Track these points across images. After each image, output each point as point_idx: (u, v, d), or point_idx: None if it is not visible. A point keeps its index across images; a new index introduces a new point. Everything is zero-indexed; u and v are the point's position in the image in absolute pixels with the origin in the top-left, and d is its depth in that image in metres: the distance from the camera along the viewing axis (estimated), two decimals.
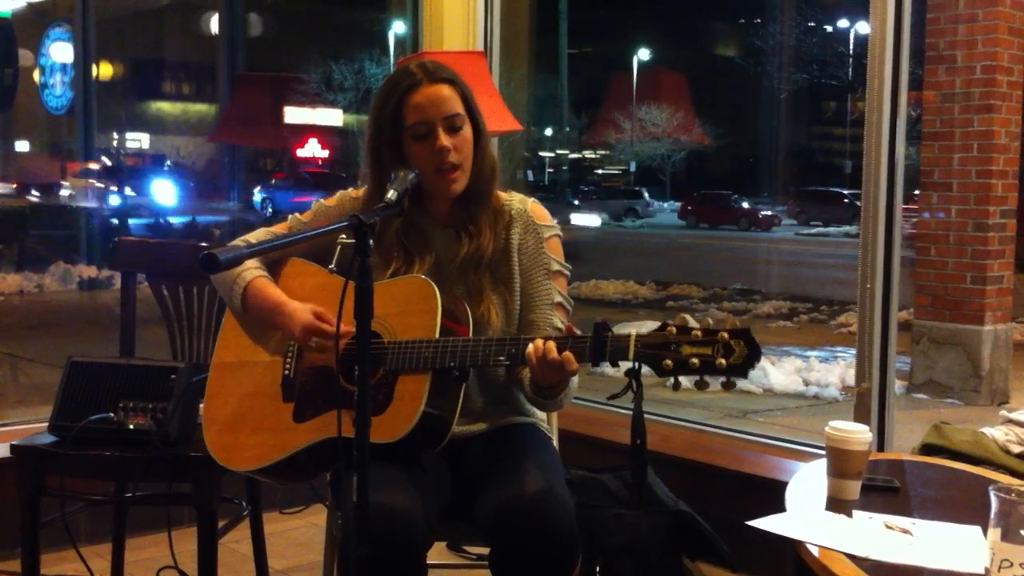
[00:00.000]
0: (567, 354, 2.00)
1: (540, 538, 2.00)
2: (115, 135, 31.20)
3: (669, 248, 23.18)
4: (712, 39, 42.08)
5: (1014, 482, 2.12)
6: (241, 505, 3.01)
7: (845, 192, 29.58)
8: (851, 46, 34.10)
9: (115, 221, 18.42)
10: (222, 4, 26.46)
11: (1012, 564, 1.59)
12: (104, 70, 25.39)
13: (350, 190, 2.42)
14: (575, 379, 2.16)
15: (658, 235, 27.08)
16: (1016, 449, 2.71)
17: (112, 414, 2.60)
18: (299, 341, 2.20)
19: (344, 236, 1.86)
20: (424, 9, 4.49)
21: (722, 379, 1.94)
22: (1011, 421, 2.80)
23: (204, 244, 3.04)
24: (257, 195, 26.56)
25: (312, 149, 29.28)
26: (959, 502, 2.18)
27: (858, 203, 3.60)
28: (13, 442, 2.67)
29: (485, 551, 2.11)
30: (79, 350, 2.83)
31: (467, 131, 2.27)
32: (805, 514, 2.03)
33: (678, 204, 32.92)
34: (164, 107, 35.58)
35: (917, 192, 6.99)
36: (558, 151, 38.06)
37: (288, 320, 2.21)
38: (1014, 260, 6.84)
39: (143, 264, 3.08)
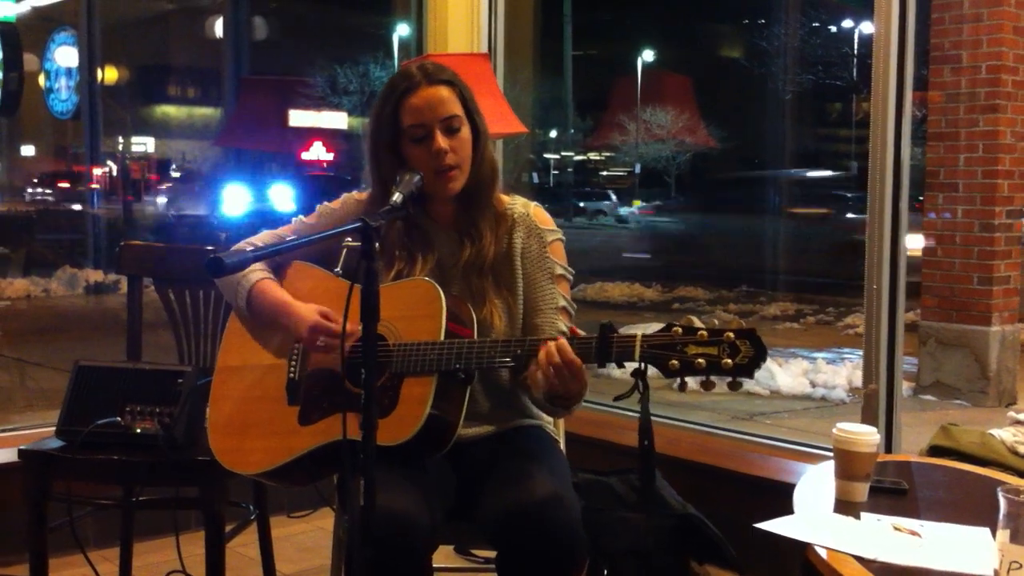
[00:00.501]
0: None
1: (546, 542, 2.00)
2: (120, 139, 31.24)
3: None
4: (716, 41, 42.03)
5: (1022, 483, 2.11)
6: (248, 509, 3.01)
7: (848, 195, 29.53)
8: (856, 47, 34.04)
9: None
10: (227, 8, 26.53)
11: (1021, 566, 1.59)
12: (109, 74, 25.42)
13: (354, 193, 2.42)
14: None
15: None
16: None
17: (119, 418, 2.61)
18: (305, 341, 2.21)
19: (350, 239, 1.86)
20: (428, 12, 4.49)
21: (728, 379, 1.94)
22: (1019, 422, 2.80)
23: (210, 248, 3.04)
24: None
25: (317, 152, 29.29)
26: (967, 504, 2.18)
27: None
28: (21, 447, 2.67)
29: (492, 554, 2.11)
30: (86, 354, 2.83)
31: (465, 132, 2.26)
32: (813, 516, 2.03)
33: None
34: (169, 111, 35.62)
35: (922, 198, 6.99)
36: (563, 153, 38.04)
37: (294, 320, 2.21)
38: (1021, 261, 6.83)
39: (149, 268, 3.08)
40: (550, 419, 2.45)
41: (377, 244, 1.80)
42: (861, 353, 3.50)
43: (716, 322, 1.99)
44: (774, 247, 19.13)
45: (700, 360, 1.94)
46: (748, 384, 2.04)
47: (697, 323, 2.02)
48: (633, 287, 14.21)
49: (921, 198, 7.08)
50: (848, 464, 2.10)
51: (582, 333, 2.06)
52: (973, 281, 6.65)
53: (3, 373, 7.95)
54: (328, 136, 28.89)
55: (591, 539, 2.10)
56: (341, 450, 2.13)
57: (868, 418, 3.34)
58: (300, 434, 2.20)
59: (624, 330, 2.03)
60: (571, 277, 2.36)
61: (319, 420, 2.19)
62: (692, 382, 1.97)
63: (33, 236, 15.22)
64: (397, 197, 2.09)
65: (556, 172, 38.09)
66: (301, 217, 2.43)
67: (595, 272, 14.54)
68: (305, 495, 3.53)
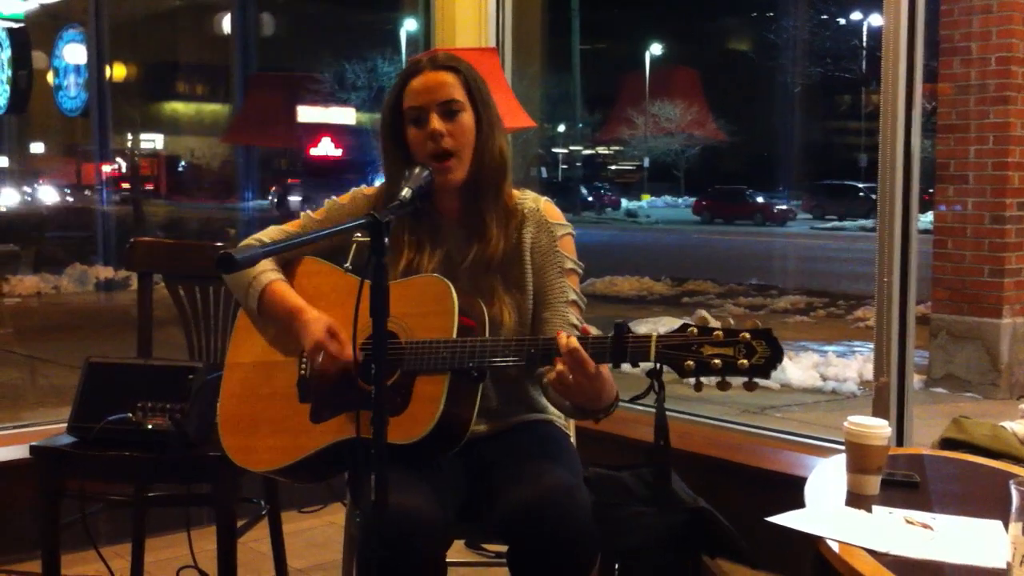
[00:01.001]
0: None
1: (557, 537, 1.99)
2: (129, 136, 31.32)
3: (684, 245, 23.14)
4: (725, 34, 41.97)
5: None
6: (260, 505, 3.01)
7: (860, 185, 29.50)
8: (865, 39, 33.98)
9: None
10: (235, 4, 26.54)
11: None
12: (118, 71, 25.48)
13: (363, 187, 2.41)
14: None
15: (673, 231, 27.04)
16: None
17: (130, 415, 2.61)
18: (308, 356, 2.21)
19: (359, 234, 1.86)
20: (436, 7, 4.49)
21: (744, 380, 1.93)
22: None
23: (219, 244, 3.04)
24: (272, 197, 26.73)
25: (326, 148, 29.33)
26: (979, 496, 2.17)
27: (873, 196, 3.59)
28: (32, 443, 2.68)
29: (503, 548, 2.10)
30: (97, 351, 2.83)
31: (466, 119, 2.24)
32: (825, 510, 2.03)
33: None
34: (178, 108, 35.71)
35: (932, 190, 6.97)
36: (571, 147, 38.04)
37: (302, 333, 2.20)
38: None
39: (159, 265, 3.08)
40: (560, 413, 2.44)
41: (387, 239, 1.79)
42: (872, 346, 3.49)
43: (732, 321, 1.97)
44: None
45: (716, 360, 1.92)
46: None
47: (711, 321, 2.01)
48: (643, 281, 14.19)
49: (931, 190, 7.07)
50: (860, 457, 2.10)
51: (593, 332, 2.05)
52: (984, 273, 6.64)
53: (14, 370, 7.97)
54: (336, 132, 28.92)
55: (603, 534, 2.09)
56: (353, 448, 2.14)
57: (879, 411, 3.33)
58: (311, 432, 2.20)
59: (635, 325, 2.02)
60: (581, 271, 2.35)
61: (331, 418, 2.18)
62: (707, 382, 1.96)
63: (43, 233, 15.25)
64: (406, 192, 2.08)
65: (565, 167, 38.07)
66: (309, 212, 2.42)
67: (606, 268, 14.53)
68: (316, 490, 3.53)
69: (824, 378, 7.30)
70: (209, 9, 28.86)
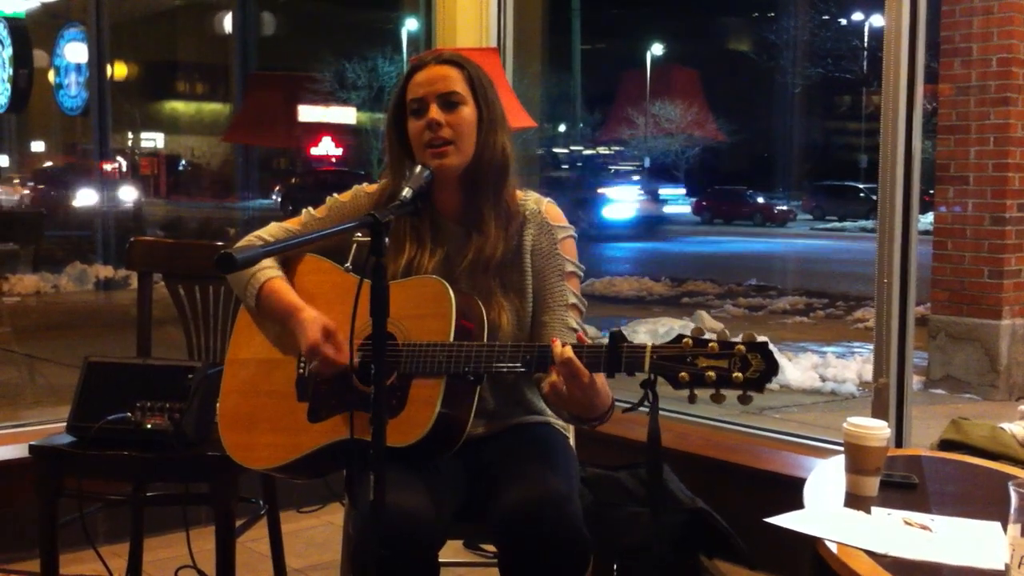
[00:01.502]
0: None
1: (547, 541, 1.99)
2: (130, 135, 31.32)
3: (683, 245, 23.14)
4: (725, 34, 41.97)
5: None
6: (258, 504, 3.01)
7: (860, 186, 29.49)
8: (866, 39, 33.97)
9: None
10: (235, 4, 26.53)
11: None
12: (118, 70, 25.47)
13: (364, 185, 2.41)
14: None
15: (671, 231, 27.03)
16: None
17: (129, 414, 2.61)
18: (304, 356, 2.21)
19: (360, 234, 1.86)
20: (437, 6, 4.49)
21: (738, 393, 1.92)
22: None
23: (219, 243, 3.04)
24: (276, 196, 26.74)
25: (326, 147, 29.35)
26: (978, 498, 2.17)
27: (873, 197, 3.59)
28: (31, 443, 2.68)
29: None
30: (96, 350, 2.83)
31: (467, 112, 2.24)
32: (823, 511, 2.03)
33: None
34: (178, 107, 35.72)
35: (932, 192, 6.97)
36: (572, 147, 38.01)
37: (298, 332, 2.20)
38: None
39: (158, 264, 3.08)
40: None
41: (387, 239, 1.79)
42: (871, 347, 3.49)
43: (728, 332, 1.96)
44: None
45: (710, 373, 1.91)
46: None
47: (707, 320, 2.00)
48: (642, 281, 14.19)
49: (931, 191, 7.06)
50: (858, 458, 2.10)
51: (589, 340, 2.03)
52: (984, 275, 6.64)
53: (13, 369, 7.97)
54: (337, 131, 28.94)
55: (601, 534, 2.09)
56: (351, 449, 2.14)
57: (878, 412, 3.33)
58: (309, 431, 2.20)
59: (635, 326, 2.02)
60: (581, 273, 2.35)
61: (328, 417, 2.18)
62: (701, 394, 1.95)
63: (42, 232, 15.23)
64: (406, 192, 2.08)
65: (565, 166, 38.06)
66: (310, 209, 2.42)
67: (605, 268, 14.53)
68: (315, 490, 3.53)
69: (823, 379, 7.31)
70: (209, 8, 28.87)
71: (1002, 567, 1.66)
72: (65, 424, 2.67)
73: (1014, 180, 6.55)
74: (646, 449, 2.04)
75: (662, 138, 37.09)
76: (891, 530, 1.88)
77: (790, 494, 2.16)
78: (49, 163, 25.19)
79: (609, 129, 38.55)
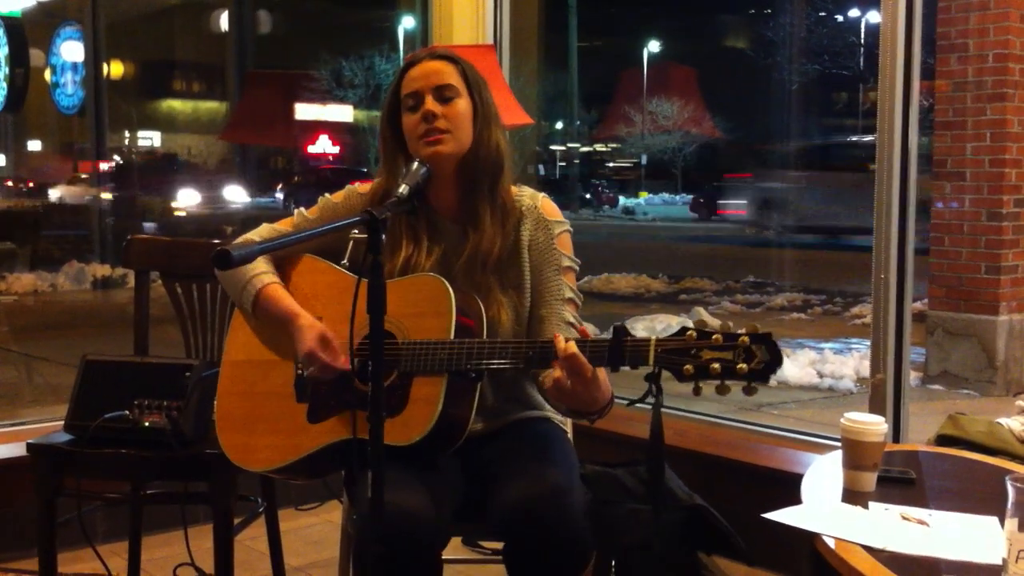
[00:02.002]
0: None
1: (551, 535, 1.99)
2: (126, 134, 31.26)
3: (681, 242, 23.12)
4: (722, 31, 41.96)
5: None
6: (256, 502, 3.01)
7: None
8: (862, 36, 33.97)
9: None
10: (232, 2, 26.51)
11: None
12: (115, 69, 25.44)
13: (357, 185, 2.41)
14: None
15: (669, 228, 27.01)
16: None
17: (127, 412, 2.61)
18: (302, 363, 2.21)
19: (356, 232, 1.86)
20: (433, 4, 4.49)
21: (743, 384, 1.92)
22: None
23: (216, 242, 3.04)
24: (278, 194, 26.73)
25: (323, 145, 29.31)
26: (975, 493, 2.18)
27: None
28: (29, 441, 2.68)
29: (500, 546, 2.10)
30: (93, 349, 2.83)
31: (462, 105, 2.25)
32: (821, 506, 2.03)
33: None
34: (175, 105, 35.65)
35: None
36: (569, 145, 38.00)
37: (295, 336, 2.20)
38: None
39: (156, 263, 3.08)
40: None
41: (384, 236, 1.79)
42: (868, 343, 3.50)
43: (731, 324, 1.96)
44: None
45: (715, 365, 1.91)
46: None
47: (706, 316, 2.00)
48: (640, 278, 14.17)
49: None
50: (856, 454, 2.10)
51: (591, 335, 2.04)
52: (981, 270, 6.64)
53: (10, 368, 7.96)
54: (334, 129, 28.91)
55: (600, 532, 2.10)
56: (350, 449, 2.14)
57: (876, 408, 3.34)
58: (309, 432, 2.19)
59: (633, 323, 2.01)
60: (577, 268, 2.35)
61: (327, 418, 2.18)
62: (706, 386, 1.95)
63: (39, 231, 15.21)
64: (403, 189, 2.08)
65: (563, 164, 38.04)
66: (301, 210, 2.42)
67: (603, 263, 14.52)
68: (313, 488, 3.53)
69: (821, 375, 7.30)
70: (206, 7, 28.82)
71: (999, 561, 1.66)
72: (63, 423, 2.67)
73: (1010, 176, 6.55)
74: (648, 443, 2.04)
75: (659, 135, 37.09)
76: (889, 525, 1.88)
77: (788, 490, 2.16)
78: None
79: (606, 126, 38.55)
